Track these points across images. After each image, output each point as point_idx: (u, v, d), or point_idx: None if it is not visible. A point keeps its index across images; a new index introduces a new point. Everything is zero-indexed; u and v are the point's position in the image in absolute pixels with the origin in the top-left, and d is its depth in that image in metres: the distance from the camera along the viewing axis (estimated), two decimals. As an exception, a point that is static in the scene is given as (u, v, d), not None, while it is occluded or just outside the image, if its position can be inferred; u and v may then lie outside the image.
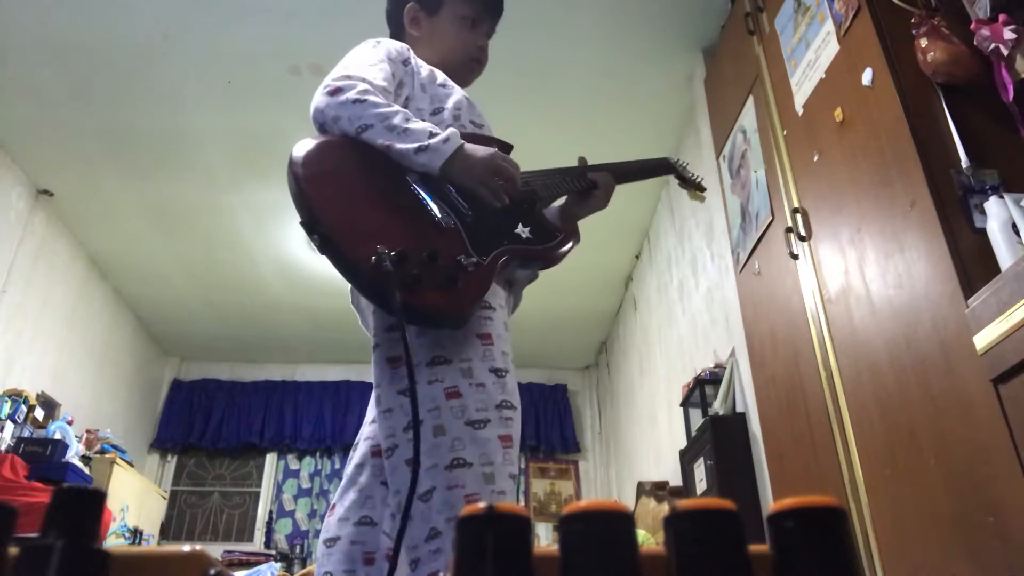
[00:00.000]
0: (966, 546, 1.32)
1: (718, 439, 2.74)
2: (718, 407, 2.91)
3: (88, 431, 4.56)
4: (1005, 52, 1.51)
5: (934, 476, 1.42)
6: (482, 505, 0.38)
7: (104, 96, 3.54)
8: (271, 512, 5.78)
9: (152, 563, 0.47)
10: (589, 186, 1.50)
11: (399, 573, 1.04)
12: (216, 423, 5.96)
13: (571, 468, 6.08)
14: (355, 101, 1.24)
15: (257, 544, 5.65)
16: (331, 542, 1.25)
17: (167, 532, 5.59)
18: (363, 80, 1.28)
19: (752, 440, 2.64)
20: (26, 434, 3.91)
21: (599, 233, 3.71)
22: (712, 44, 3.13)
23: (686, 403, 3.36)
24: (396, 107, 1.27)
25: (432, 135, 1.23)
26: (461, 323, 1.17)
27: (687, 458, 3.10)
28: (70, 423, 4.18)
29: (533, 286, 1.44)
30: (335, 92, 1.26)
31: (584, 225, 1.50)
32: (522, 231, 1.32)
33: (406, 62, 1.44)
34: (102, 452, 4.42)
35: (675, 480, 3.32)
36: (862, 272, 1.70)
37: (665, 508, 2.76)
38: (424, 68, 1.47)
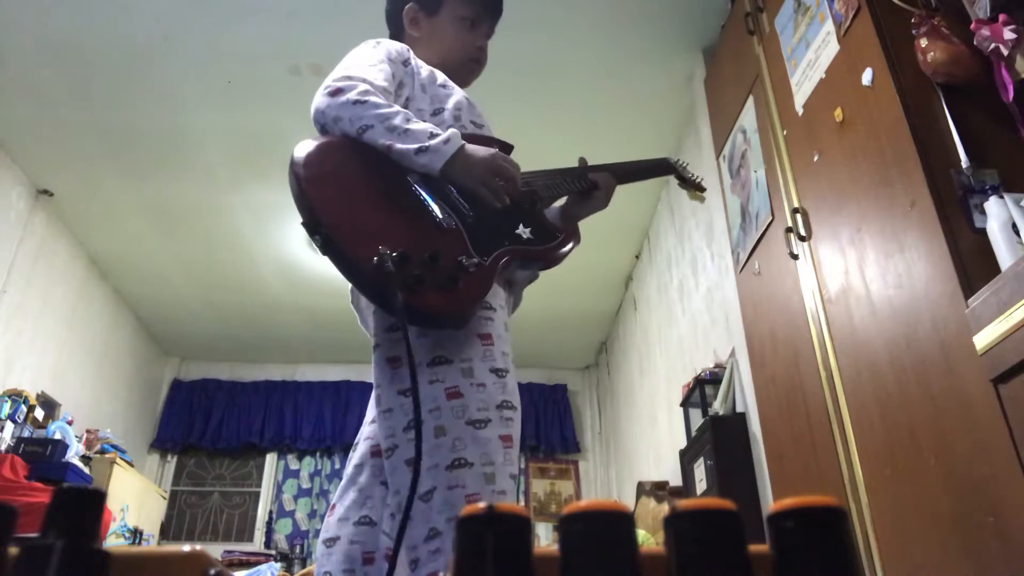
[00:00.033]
0: (966, 546, 1.32)
1: (718, 439, 2.74)
2: (718, 407, 2.91)
3: (88, 431, 4.56)
4: (1005, 52, 1.51)
5: (934, 476, 1.42)
6: (482, 505, 0.38)
7: (104, 96, 3.54)
8: (271, 512, 5.78)
9: (152, 563, 0.47)
10: (590, 187, 1.50)
11: (399, 573, 1.04)
12: (216, 423, 5.96)
13: (571, 468, 6.08)
14: (356, 102, 1.24)
15: (257, 544, 5.65)
16: (331, 542, 1.25)
17: (167, 532, 5.59)
18: (364, 81, 1.28)
19: (752, 440, 2.64)
20: (26, 434, 3.91)
21: (599, 233, 3.72)
22: (712, 44, 3.13)
23: (686, 403, 3.36)
24: (397, 108, 1.27)
25: (433, 136, 1.23)
26: (462, 323, 1.17)
27: (687, 458, 3.10)
28: (70, 423, 4.18)
29: (533, 286, 1.45)
30: (336, 93, 1.26)
31: (584, 225, 1.50)
32: (523, 231, 1.32)
33: (406, 63, 1.44)
34: (102, 452, 4.42)
35: (675, 480, 3.32)
36: (862, 272, 1.70)
37: (665, 508, 2.76)
38: (424, 69, 1.48)
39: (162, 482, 5.82)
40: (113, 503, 4.25)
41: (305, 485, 5.87)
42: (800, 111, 2.04)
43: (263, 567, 4.39)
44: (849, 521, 0.49)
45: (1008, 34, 1.49)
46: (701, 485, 2.87)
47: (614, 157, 1.62)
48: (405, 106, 1.38)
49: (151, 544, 4.83)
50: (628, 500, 4.05)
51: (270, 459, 6.00)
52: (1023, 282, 1.20)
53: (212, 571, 0.46)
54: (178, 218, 4.47)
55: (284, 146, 1.22)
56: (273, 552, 5.33)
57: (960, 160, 1.49)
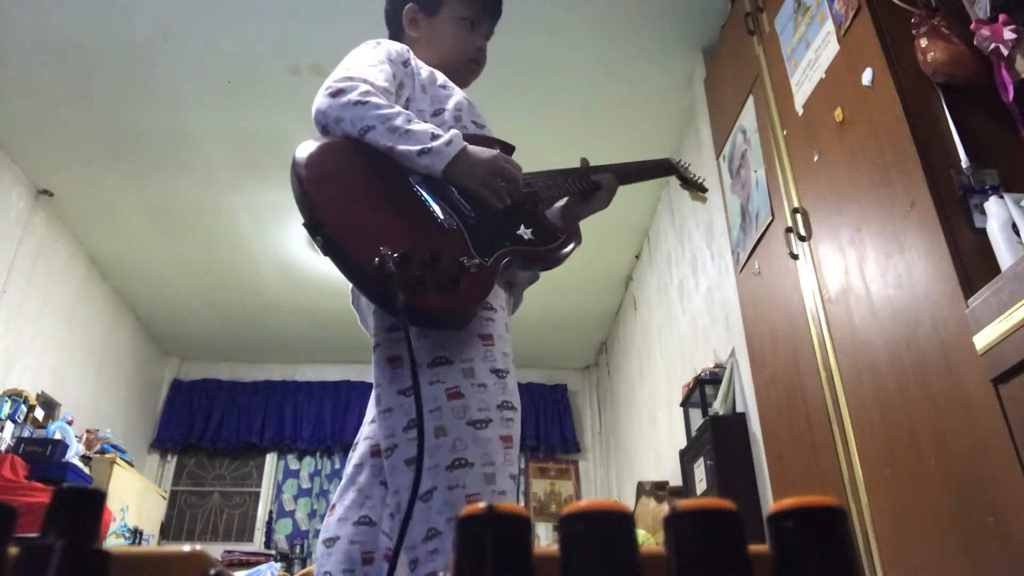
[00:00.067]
0: (966, 546, 1.32)
1: (718, 439, 2.74)
2: (718, 407, 2.91)
3: (88, 431, 4.56)
4: (1005, 52, 1.51)
5: (934, 476, 1.42)
6: (482, 505, 0.38)
7: (104, 96, 3.54)
8: (271, 512, 5.78)
9: (152, 563, 0.47)
10: (592, 187, 1.50)
11: (398, 573, 1.04)
12: (216, 423, 5.96)
13: (571, 468, 6.08)
14: (357, 103, 1.24)
15: (257, 544, 5.65)
16: (330, 542, 1.25)
17: (167, 532, 5.59)
18: (365, 81, 1.28)
19: (752, 440, 2.64)
20: (26, 434, 3.91)
21: (599, 233, 3.71)
22: (712, 44, 3.13)
23: (686, 403, 3.36)
24: (398, 108, 1.27)
25: (435, 137, 1.23)
26: (463, 324, 1.17)
27: (687, 458, 3.10)
28: (70, 423, 4.18)
29: (533, 286, 1.45)
30: (337, 94, 1.26)
31: (584, 225, 1.51)
32: (524, 232, 1.33)
33: (406, 63, 1.44)
34: (102, 452, 4.42)
35: (675, 480, 3.32)
36: (862, 272, 1.70)
37: (665, 508, 2.76)
38: (424, 69, 1.48)
39: (162, 482, 5.82)
40: (113, 503, 4.25)
41: (305, 485, 5.87)
42: (800, 111, 2.04)
43: (263, 567, 4.40)
44: (849, 521, 0.49)
45: (1008, 34, 1.49)
46: (701, 485, 2.87)
47: (614, 157, 1.62)
48: (405, 107, 1.38)
49: (151, 544, 4.83)
50: (628, 500, 4.05)
51: (270, 459, 6.00)
52: (1023, 282, 1.20)
53: (212, 571, 0.46)
54: (178, 218, 4.47)
55: (284, 146, 1.22)
56: (273, 552, 5.33)
57: (960, 160, 1.49)
